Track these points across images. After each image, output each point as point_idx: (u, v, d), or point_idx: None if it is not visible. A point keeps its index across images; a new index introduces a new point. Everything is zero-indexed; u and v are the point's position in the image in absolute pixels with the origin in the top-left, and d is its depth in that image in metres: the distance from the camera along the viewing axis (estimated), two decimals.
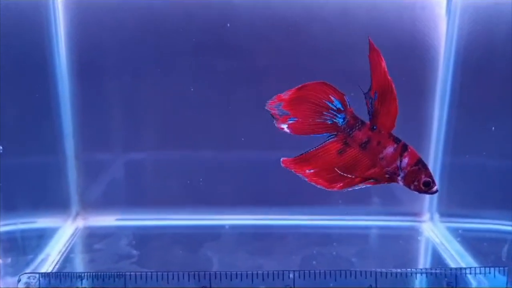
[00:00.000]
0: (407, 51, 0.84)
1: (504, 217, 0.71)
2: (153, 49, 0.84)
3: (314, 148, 0.58)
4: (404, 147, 0.57)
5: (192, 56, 0.84)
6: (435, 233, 0.89)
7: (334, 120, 0.57)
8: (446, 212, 0.90)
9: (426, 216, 0.92)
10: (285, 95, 0.56)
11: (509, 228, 0.69)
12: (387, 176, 0.58)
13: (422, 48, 0.85)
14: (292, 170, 0.57)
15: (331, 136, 0.57)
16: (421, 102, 0.88)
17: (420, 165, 0.57)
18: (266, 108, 0.56)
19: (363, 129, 0.57)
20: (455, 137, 0.86)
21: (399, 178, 0.57)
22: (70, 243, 0.83)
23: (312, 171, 0.57)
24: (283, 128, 0.57)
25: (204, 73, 0.85)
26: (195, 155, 0.89)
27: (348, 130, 0.57)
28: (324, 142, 0.57)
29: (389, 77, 0.55)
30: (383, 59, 0.54)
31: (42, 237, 0.79)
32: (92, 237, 0.85)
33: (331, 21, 0.82)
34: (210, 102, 0.87)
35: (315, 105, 0.56)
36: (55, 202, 0.87)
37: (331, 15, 0.82)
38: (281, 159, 0.58)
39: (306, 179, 0.57)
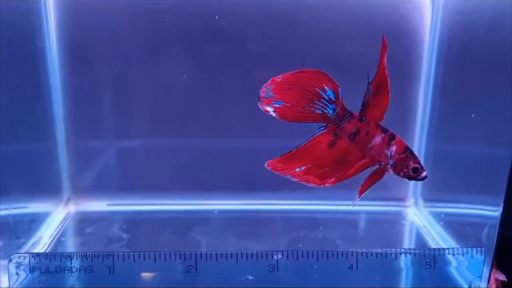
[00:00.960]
0: (392, 39, 0.83)
1: (485, 202, 0.72)
2: (144, 36, 0.85)
3: (303, 143, 0.58)
4: (392, 136, 0.58)
5: (183, 44, 0.85)
6: (419, 217, 0.91)
7: (325, 111, 0.57)
8: (430, 197, 0.92)
9: (410, 201, 0.95)
10: (279, 78, 0.56)
11: (489, 212, 0.71)
12: (377, 165, 0.59)
13: (407, 37, 0.86)
14: (279, 173, 0.57)
15: (321, 128, 0.58)
16: (406, 90, 0.90)
17: (408, 152, 0.59)
18: (261, 90, 0.56)
19: (352, 120, 0.58)
20: (438, 124, 0.88)
21: (388, 166, 0.59)
22: (61, 227, 0.84)
23: (303, 168, 0.57)
24: (269, 112, 0.56)
25: (194, 61, 0.86)
26: (184, 141, 0.91)
27: (338, 121, 0.57)
28: (313, 135, 0.58)
29: (386, 72, 0.56)
30: (385, 55, 0.56)
31: (33, 221, 0.81)
32: (84, 221, 0.87)
33: (318, 9, 0.83)
34: (201, 89, 0.88)
35: (307, 92, 0.56)
36: (47, 188, 0.88)
37: (318, 3, 0.83)
38: (266, 162, 0.57)
39: (296, 179, 0.57)
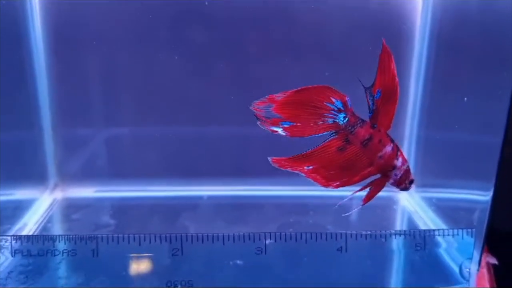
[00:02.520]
0: (383, 24, 0.84)
1: (476, 187, 0.72)
2: (131, 21, 0.83)
3: (312, 149, 0.56)
4: (398, 147, 0.57)
5: (171, 29, 0.83)
6: (411, 202, 0.90)
7: (335, 120, 0.55)
8: (422, 183, 0.91)
9: None
10: (279, 97, 0.53)
11: (480, 197, 0.70)
12: (382, 174, 0.57)
13: (399, 21, 0.85)
14: (287, 169, 0.56)
15: (332, 135, 0.56)
16: (397, 74, 0.88)
17: (408, 165, 0.57)
18: (251, 108, 0.53)
19: (365, 126, 0.56)
20: (430, 110, 0.87)
21: (393, 176, 0.57)
22: (47, 214, 0.83)
23: (311, 167, 0.56)
24: (276, 132, 0.54)
25: (183, 47, 0.84)
26: (174, 127, 0.89)
27: (350, 127, 0.56)
28: (324, 141, 0.56)
29: (396, 80, 0.54)
30: (393, 61, 0.54)
31: (18, 208, 0.80)
32: (70, 208, 0.86)
33: None
34: (189, 76, 0.86)
35: (315, 108, 0.55)
36: (32, 174, 0.87)
37: None
38: (271, 158, 0.55)
39: (304, 175, 0.56)
